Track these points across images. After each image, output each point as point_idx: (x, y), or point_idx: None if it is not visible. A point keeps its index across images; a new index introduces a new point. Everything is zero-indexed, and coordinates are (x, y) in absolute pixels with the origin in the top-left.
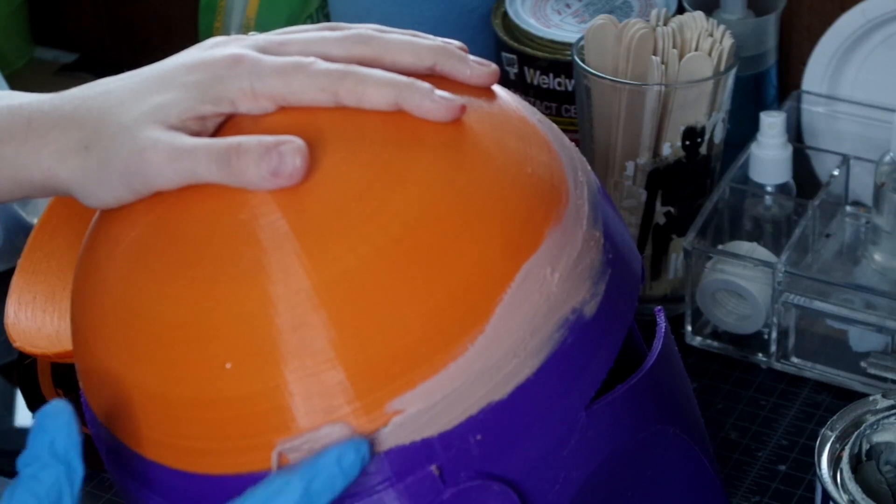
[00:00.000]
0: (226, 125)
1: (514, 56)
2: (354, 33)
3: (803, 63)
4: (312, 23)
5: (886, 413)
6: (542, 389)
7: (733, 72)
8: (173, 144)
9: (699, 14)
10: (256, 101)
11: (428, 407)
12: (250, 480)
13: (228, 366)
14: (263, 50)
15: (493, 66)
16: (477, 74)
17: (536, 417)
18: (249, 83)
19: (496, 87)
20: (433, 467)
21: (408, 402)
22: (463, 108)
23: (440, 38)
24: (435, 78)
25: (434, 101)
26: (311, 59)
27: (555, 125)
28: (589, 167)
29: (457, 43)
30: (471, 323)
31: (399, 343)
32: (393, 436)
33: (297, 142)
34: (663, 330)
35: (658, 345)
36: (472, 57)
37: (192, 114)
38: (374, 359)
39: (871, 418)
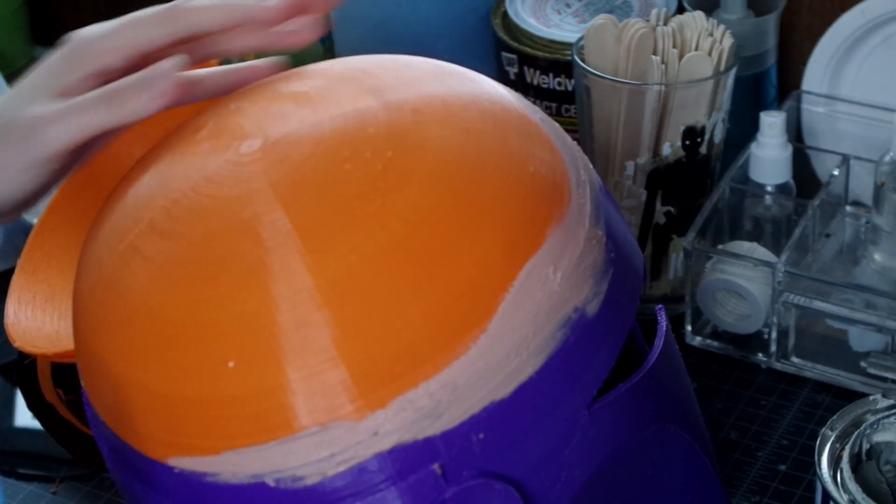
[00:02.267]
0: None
1: (514, 56)
2: (162, 10)
3: (803, 63)
4: None
5: (886, 413)
6: (545, 388)
7: (733, 72)
8: (58, 106)
9: (699, 14)
10: (111, 55)
11: (430, 406)
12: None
13: (231, 364)
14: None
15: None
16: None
17: (539, 416)
18: (97, 42)
19: (498, 86)
20: (436, 466)
21: (410, 400)
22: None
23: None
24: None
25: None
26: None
27: (557, 124)
28: (591, 166)
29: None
30: (473, 322)
31: (401, 342)
32: (395, 434)
33: (167, 63)
34: (664, 329)
35: (659, 344)
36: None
37: (68, 81)
38: (376, 357)
39: (871, 418)
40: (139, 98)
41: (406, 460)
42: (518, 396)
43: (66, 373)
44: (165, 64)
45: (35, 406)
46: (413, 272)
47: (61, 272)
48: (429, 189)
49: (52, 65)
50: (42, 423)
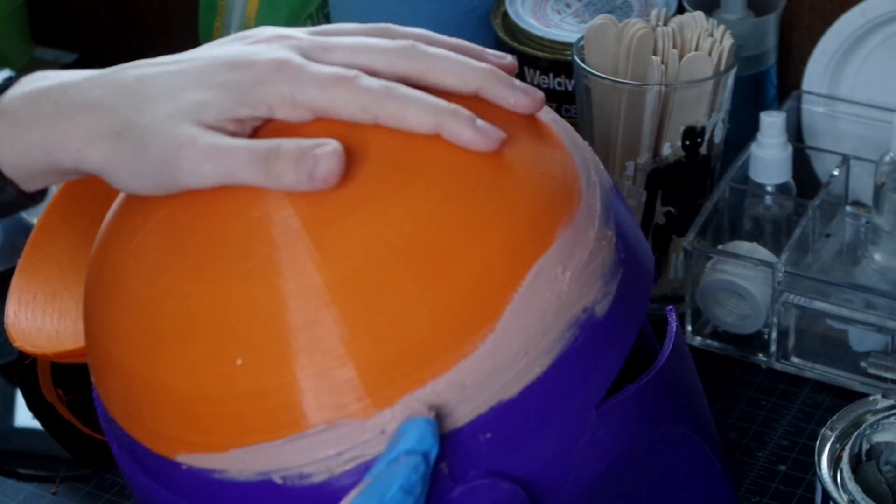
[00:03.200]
0: (263, 128)
1: (514, 56)
2: (401, 46)
3: (803, 63)
4: (312, 23)
5: (886, 413)
6: (553, 388)
7: (733, 72)
8: (212, 143)
9: (699, 14)
10: (294, 110)
11: (438, 405)
12: None
13: (239, 362)
14: (307, 54)
15: (539, 95)
16: (521, 104)
17: (546, 416)
18: (290, 91)
19: None
20: (442, 465)
21: (418, 399)
22: (503, 142)
23: (491, 53)
24: (474, 100)
25: (475, 132)
26: (355, 72)
27: (568, 124)
28: (602, 166)
29: (508, 60)
30: (481, 321)
31: (410, 340)
32: None
33: (333, 144)
34: (674, 329)
35: (669, 344)
36: (517, 82)
37: (229, 115)
38: (384, 356)
39: (871, 418)
40: (295, 173)
41: None
42: (526, 396)
43: (66, 373)
44: (332, 144)
45: (35, 406)
46: (421, 271)
47: (61, 272)
48: (437, 188)
49: (239, 77)
50: (42, 423)
